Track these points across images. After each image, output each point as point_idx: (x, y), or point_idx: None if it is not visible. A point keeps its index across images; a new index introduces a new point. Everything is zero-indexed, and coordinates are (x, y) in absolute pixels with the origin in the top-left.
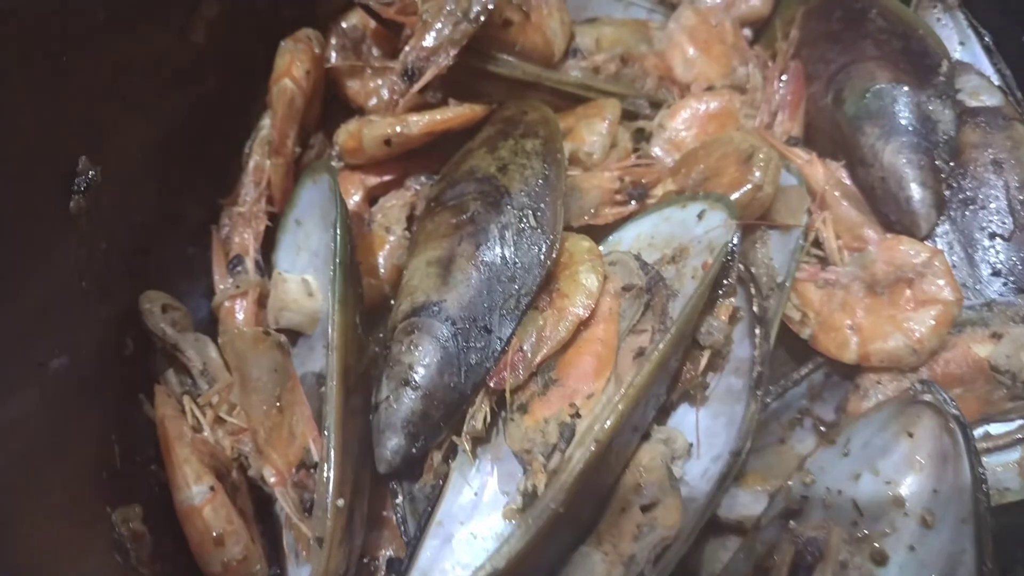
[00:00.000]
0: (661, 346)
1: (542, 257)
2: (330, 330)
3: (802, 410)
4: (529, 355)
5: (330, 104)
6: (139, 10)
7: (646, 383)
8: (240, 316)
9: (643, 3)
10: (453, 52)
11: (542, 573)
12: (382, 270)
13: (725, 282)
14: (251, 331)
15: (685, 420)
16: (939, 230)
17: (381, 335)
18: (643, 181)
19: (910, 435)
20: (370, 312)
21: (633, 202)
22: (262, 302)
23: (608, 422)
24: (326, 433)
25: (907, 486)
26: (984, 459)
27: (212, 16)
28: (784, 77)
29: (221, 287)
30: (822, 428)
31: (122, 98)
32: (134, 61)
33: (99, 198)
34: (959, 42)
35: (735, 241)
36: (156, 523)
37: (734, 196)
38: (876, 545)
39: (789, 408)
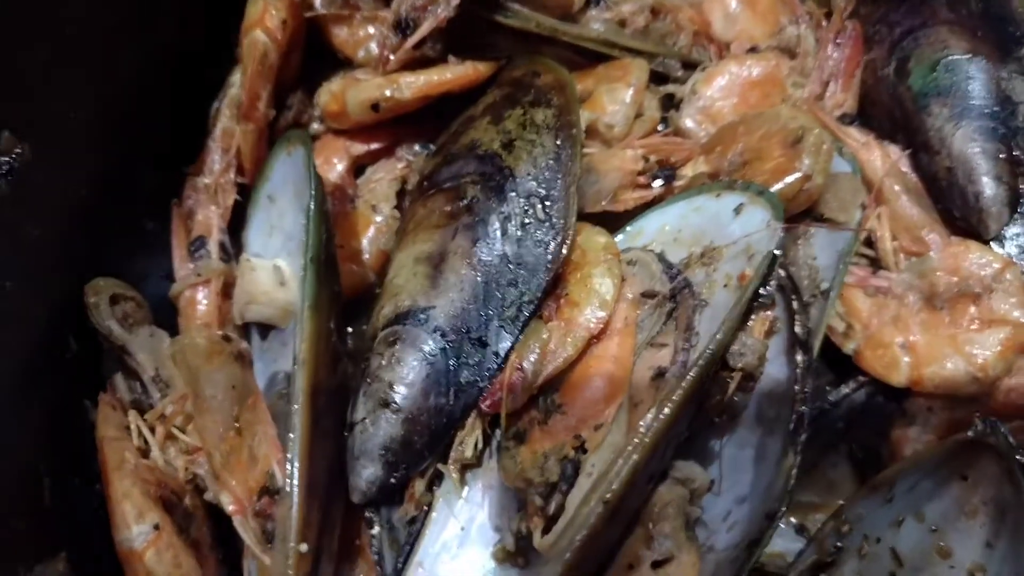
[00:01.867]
0: (687, 381)
1: (549, 257)
2: (298, 341)
3: (838, 433)
4: (530, 375)
5: (313, 54)
6: None
7: (665, 427)
8: (202, 308)
9: None
10: (454, 2)
11: None
12: (366, 255)
13: (763, 291)
14: (204, 341)
15: (706, 447)
16: (1009, 231)
17: (364, 328)
18: (671, 160)
19: (964, 478)
20: (351, 303)
21: (658, 184)
22: (228, 291)
23: (619, 480)
24: (289, 468)
25: (956, 536)
26: None
27: None
28: (839, 40)
29: (181, 274)
30: (859, 455)
31: (55, 54)
32: (69, 9)
33: (29, 178)
34: None
35: (779, 247)
36: (96, 556)
37: (778, 186)
38: None
39: (823, 430)
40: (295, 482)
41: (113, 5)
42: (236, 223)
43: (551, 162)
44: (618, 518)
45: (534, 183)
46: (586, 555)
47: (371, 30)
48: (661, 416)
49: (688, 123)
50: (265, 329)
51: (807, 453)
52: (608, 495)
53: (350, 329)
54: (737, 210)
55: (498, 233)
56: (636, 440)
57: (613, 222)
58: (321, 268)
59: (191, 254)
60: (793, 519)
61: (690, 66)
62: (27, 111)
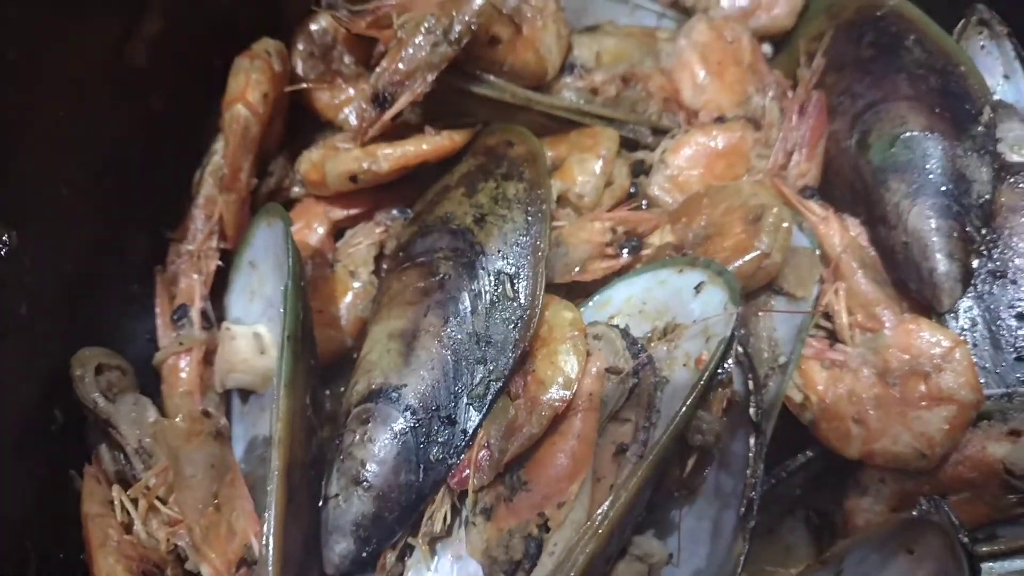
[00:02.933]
0: (639, 472)
1: (516, 336)
2: (273, 420)
3: (795, 500)
4: (497, 452)
5: (296, 114)
6: (61, 34)
7: (622, 513)
8: (184, 375)
9: (652, 7)
10: (430, 77)
11: None
12: (344, 321)
13: (721, 370)
14: (184, 424)
15: (665, 518)
16: (962, 304)
17: (342, 389)
18: (638, 230)
19: (910, 552)
20: (329, 367)
21: (626, 254)
22: (209, 358)
23: (577, 564)
24: (265, 545)
25: None
26: (988, 565)
27: (154, 33)
28: (804, 110)
29: (164, 343)
30: (815, 520)
31: (46, 137)
32: (59, 94)
33: (16, 262)
34: (1004, 75)
35: (736, 330)
36: None
37: (737, 264)
38: None
39: (782, 498)
40: (271, 556)
41: (100, 88)
42: (219, 287)
43: (521, 238)
44: None
45: (504, 261)
46: None
47: (352, 93)
48: (618, 503)
49: (656, 191)
50: (246, 393)
51: (765, 518)
52: None
53: (328, 392)
54: (697, 288)
55: (468, 310)
56: (592, 527)
57: (582, 290)
58: (297, 345)
59: (174, 322)
60: None
61: (660, 132)
62: (14, 198)
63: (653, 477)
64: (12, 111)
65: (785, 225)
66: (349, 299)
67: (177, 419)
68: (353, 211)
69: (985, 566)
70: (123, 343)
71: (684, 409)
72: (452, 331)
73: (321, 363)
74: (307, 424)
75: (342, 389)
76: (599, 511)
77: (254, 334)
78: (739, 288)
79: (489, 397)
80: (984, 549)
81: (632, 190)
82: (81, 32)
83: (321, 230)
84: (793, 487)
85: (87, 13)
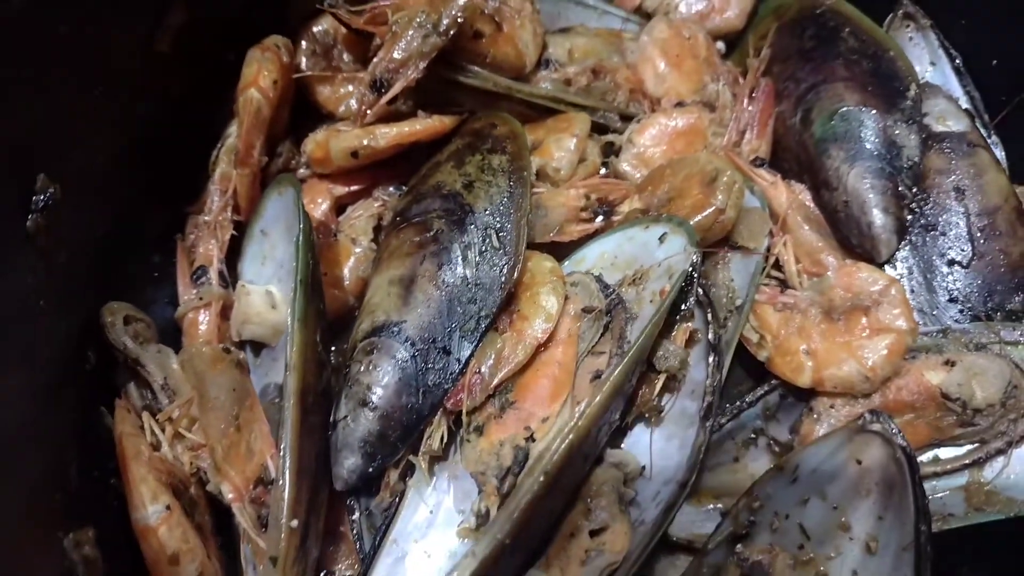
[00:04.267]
0: (614, 375)
1: (503, 279)
2: (289, 350)
3: (757, 430)
4: (487, 377)
5: (300, 109)
6: (102, 20)
7: (598, 413)
8: (203, 328)
9: (617, 12)
10: (422, 65)
11: None
12: (347, 282)
13: (683, 307)
14: (210, 350)
15: (639, 441)
16: (899, 255)
17: (345, 346)
18: (610, 198)
19: (858, 462)
20: (334, 323)
21: (599, 219)
22: (226, 314)
23: (558, 453)
24: (282, 454)
25: (853, 512)
26: (931, 483)
27: (178, 25)
28: (754, 94)
29: (185, 298)
30: (776, 448)
31: (85, 111)
32: (97, 75)
33: (58, 214)
34: (930, 62)
35: (694, 268)
36: (114, 539)
37: (696, 219)
38: (821, 568)
39: (744, 428)
40: (287, 465)
41: (130, 72)
42: (232, 255)
43: (505, 199)
44: (557, 489)
45: (490, 217)
46: (530, 517)
47: (350, 87)
48: (594, 402)
49: (625, 167)
50: (258, 348)
51: (731, 448)
52: (548, 467)
53: (333, 348)
54: (661, 239)
55: (459, 259)
56: (572, 423)
57: (559, 251)
58: (308, 289)
59: (194, 282)
60: (719, 505)
61: (627, 118)
62: (59, 158)
63: (626, 384)
64: (59, 82)
65: (737, 185)
66: (351, 263)
67: (203, 347)
68: (354, 187)
69: (929, 484)
70: (145, 307)
71: (649, 326)
72: (446, 276)
73: (328, 319)
74: (317, 357)
75: (345, 346)
76: (577, 408)
77: (267, 291)
78: (696, 234)
79: (480, 331)
80: (929, 470)
81: (603, 170)
82: (119, 18)
83: (325, 205)
84: (754, 418)
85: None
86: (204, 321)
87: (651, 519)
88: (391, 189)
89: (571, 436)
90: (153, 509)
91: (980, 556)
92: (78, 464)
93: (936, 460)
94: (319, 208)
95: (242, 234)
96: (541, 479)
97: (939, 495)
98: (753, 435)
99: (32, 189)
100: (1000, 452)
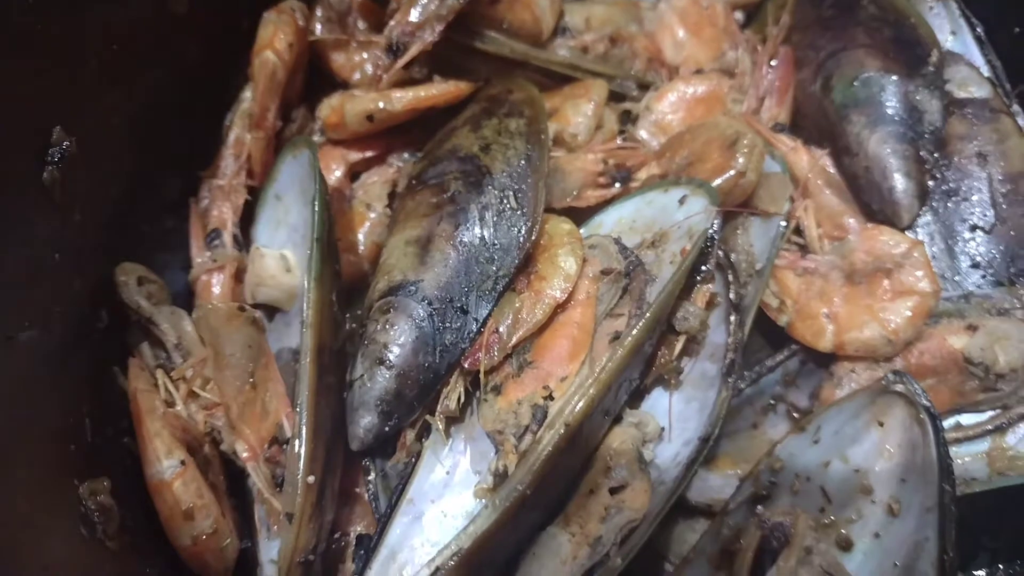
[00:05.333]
0: (635, 332)
1: (521, 239)
2: (305, 307)
3: (776, 396)
4: (505, 337)
5: (314, 77)
6: None
7: (618, 368)
8: (217, 290)
9: None
10: (439, 28)
11: (508, 552)
12: (361, 247)
13: (703, 268)
14: (226, 306)
15: (658, 404)
16: (921, 221)
17: (359, 312)
18: (627, 164)
19: (881, 424)
20: (349, 288)
21: (617, 185)
22: (239, 277)
23: (578, 406)
24: (298, 411)
25: (875, 474)
26: (953, 449)
27: None
28: (774, 62)
29: (198, 260)
30: (795, 415)
31: (100, 68)
32: (113, 31)
33: (74, 169)
34: (951, 32)
35: (714, 228)
36: (126, 495)
37: (716, 182)
38: (842, 531)
39: (763, 394)
40: (303, 422)
41: (147, 31)
42: (246, 221)
43: (523, 162)
44: (577, 444)
45: (508, 179)
46: (550, 470)
47: (365, 55)
48: (615, 357)
49: (643, 134)
50: (271, 313)
51: (750, 413)
52: (569, 420)
53: (347, 314)
54: (681, 201)
55: (477, 220)
56: (594, 376)
57: (577, 216)
58: (324, 248)
59: (208, 245)
60: (738, 471)
61: (644, 87)
62: (76, 113)
63: (646, 341)
64: (78, 39)
65: (758, 148)
66: (366, 227)
67: (219, 304)
68: (368, 153)
69: (951, 451)
70: (158, 271)
71: (669, 285)
72: (463, 236)
73: (343, 283)
74: (333, 316)
75: (358, 312)
76: (599, 364)
77: (281, 255)
78: (717, 194)
79: (497, 291)
80: (951, 436)
81: (620, 138)
82: None
83: (339, 171)
84: (773, 384)
85: None
86: (218, 283)
87: (671, 478)
88: (406, 156)
89: (591, 391)
90: (168, 463)
91: (1001, 523)
92: (92, 420)
93: (958, 426)
94: (333, 174)
95: (255, 200)
96: (562, 431)
97: (961, 460)
98: (772, 401)
99: (49, 141)
100: (1022, 418)
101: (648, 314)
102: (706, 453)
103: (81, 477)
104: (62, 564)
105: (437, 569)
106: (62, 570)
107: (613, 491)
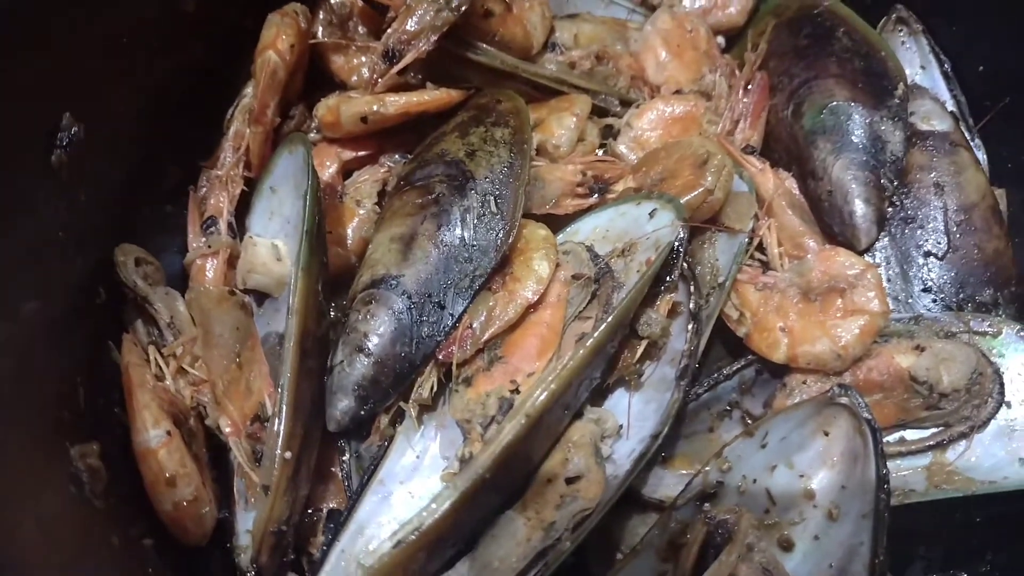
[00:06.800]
0: (597, 333)
1: (498, 242)
2: (291, 295)
3: (732, 403)
4: (478, 332)
5: (314, 77)
6: None
7: (580, 366)
8: (210, 275)
9: (624, 3)
10: (433, 38)
11: (468, 531)
12: (350, 241)
13: (668, 278)
14: (216, 289)
15: (619, 403)
16: (878, 245)
17: (344, 303)
18: (605, 176)
19: (826, 434)
20: (336, 280)
21: (594, 196)
22: (232, 263)
23: (540, 399)
24: (280, 391)
25: (818, 481)
26: (897, 462)
27: None
28: (750, 87)
29: (194, 246)
30: (749, 421)
31: (110, 60)
32: (124, 26)
33: (81, 154)
34: (920, 66)
35: (680, 241)
36: (114, 462)
37: (685, 198)
38: (784, 532)
39: (720, 400)
40: (284, 401)
41: (156, 27)
42: (241, 211)
43: (505, 169)
44: (538, 434)
45: (490, 184)
46: (510, 457)
47: (363, 59)
48: (578, 355)
49: (622, 149)
50: (261, 300)
51: (706, 418)
52: (530, 411)
53: (332, 304)
54: (651, 214)
55: (459, 221)
56: (557, 372)
57: (555, 224)
58: (313, 240)
59: (204, 231)
60: (693, 471)
61: (626, 103)
62: (85, 101)
63: (609, 343)
64: (89, 32)
65: (727, 168)
66: (355, 223)
67: (211, 287)
68: (361, 153)
69: (894, 463)
70: (155, 254)
71: (633, 290)
72: (444, 236)
73: (329, 274)
74: (318, 304)
75: (343, 303)
76: (563, 359)
77: (273, 244)
78: (684, 210)
79: (473, 289)
80: (895, 450)
81: (600, 151)
82: None
83: (333, 168)
84: (729, 391)
85: None
86: (211, 268)
87: (623, 473)
88: (397, 157)
89: (553, 385)
90: (154, 433)
91: (937, 534)
92: (85, 389)
93: (903, 441)
94: (327, 170)
95: (252, 191)
96: (523, 421)
97: (903, 473)
98: (728, 407)
99: (58, 125)
100: (963, 436)
101: (611, 317)
102: (656, 449)
103: (73, 441)
104: (53, 517)
105: (399, 542)
106: (53, 522)
107: (569, 481)
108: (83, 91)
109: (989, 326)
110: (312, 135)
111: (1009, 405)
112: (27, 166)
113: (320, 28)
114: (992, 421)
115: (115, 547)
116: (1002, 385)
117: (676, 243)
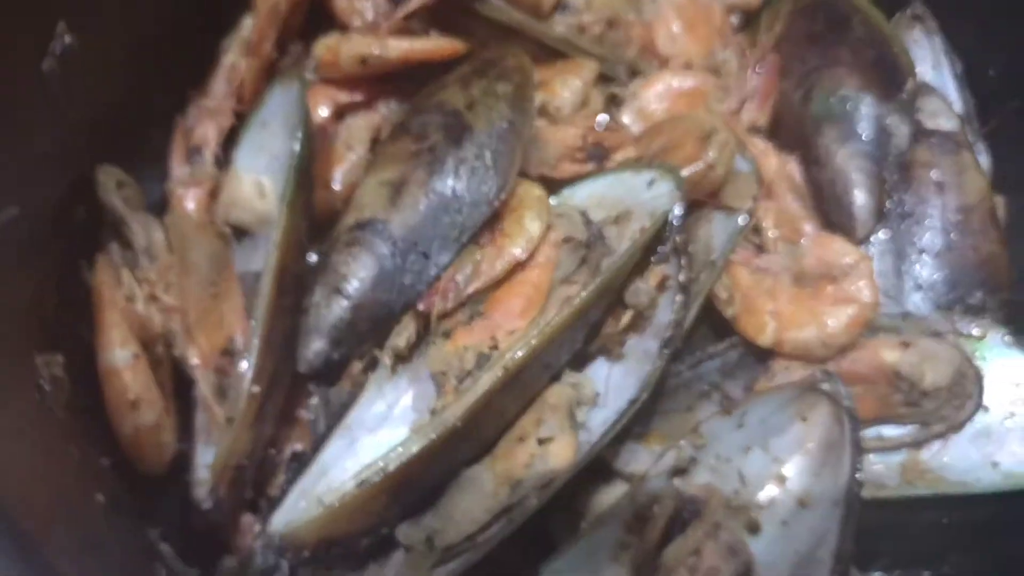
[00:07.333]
0: (583, 294)
1: (491, 196)
2: (274, 230)
3: (713, 384)
4: (461, 286)
5: (315, 16)
6: None
7: (563, 325)
8: (191, 205)
9: None
10: None
11: (434, 480)
12: (337, 185)
13: (660, 249)
14: (196, 216)
15: (599, 372)
16: (875, 238)
17: (325, 247)
18: (606, 144)
19: (804, 419)
20: (319, 224)
21: (592, 163)
22: (215, 195)
23: (519, 353)
24: (253, 323)
25: (792, 466)
26: (873, 456)
27: None
28: (760, 68)
29: (176, 173)
30: (728, 404)
31: None
32: None
33: (72, 66)
34: (932, 65)
35: (675, 212)
36: (77, 379)
37: (686, 171)
38: (752, 515)
39: (701, 380)
40: (256, 334)
41: None
42: (229, 145)
43: (504, 124)
44: (514, 389)
45: (487, 138)
46: (484, 409)
47: (367, 2)
48: (562, 315)
49: (626, 119)
50: (241, 235)
51: (685, 397)
52: (508, 364)
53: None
54: (650, 183)
55: (451, 172)
56: (539, 328)
57: (551, 187)
58: (300, 177)
59: (189, 160)
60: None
61: (635, 73)
62: (80, 13)
63: (593, 308)
64: None
65: (730, 145)
66: (345, 167)
67: (191, 214)
68: (357, 97)
69: (871, 457)
70: (137, 180)
71: (623, 257)
72: (436, 185)
73: (314, 215)
74: (300, 243)
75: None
76: (546, 317)
77: (258, 181)
78: (684, 182)
79: (460, 242)
80: (873, 445)
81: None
82: None
83: (326, 111)
84: (711, 372)
85: None
86: (193, 198)
87: (597, 436)
88: (393, 104)
89: (535, 341)
90: (121, 353)
91: (905, 531)
92: (57, 304)
93: (880, 437)
94: (320, 111)
95: (241, 124)
96: (500, 374)
97: (876, 467)
98: (708, 388)
99: (52, 33)
100: (939, 436)
101: (600, 279)
102: (633, 415)
103: (39, 350)
104: (16, 417)
105: (362, 482)
106: (14, 424)
107: (541, 442)
108: (80, 2)
109: (976, 329)
110: (308, 75)
111: (987, 409)
112: (19, 72)
113: None
114: (969, 424)
115: (74, 458)
116: (982, 388)
117: (672, 215)
